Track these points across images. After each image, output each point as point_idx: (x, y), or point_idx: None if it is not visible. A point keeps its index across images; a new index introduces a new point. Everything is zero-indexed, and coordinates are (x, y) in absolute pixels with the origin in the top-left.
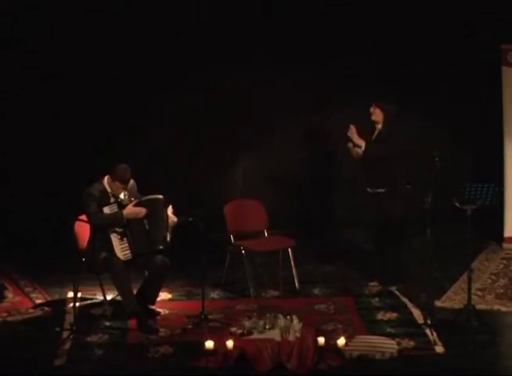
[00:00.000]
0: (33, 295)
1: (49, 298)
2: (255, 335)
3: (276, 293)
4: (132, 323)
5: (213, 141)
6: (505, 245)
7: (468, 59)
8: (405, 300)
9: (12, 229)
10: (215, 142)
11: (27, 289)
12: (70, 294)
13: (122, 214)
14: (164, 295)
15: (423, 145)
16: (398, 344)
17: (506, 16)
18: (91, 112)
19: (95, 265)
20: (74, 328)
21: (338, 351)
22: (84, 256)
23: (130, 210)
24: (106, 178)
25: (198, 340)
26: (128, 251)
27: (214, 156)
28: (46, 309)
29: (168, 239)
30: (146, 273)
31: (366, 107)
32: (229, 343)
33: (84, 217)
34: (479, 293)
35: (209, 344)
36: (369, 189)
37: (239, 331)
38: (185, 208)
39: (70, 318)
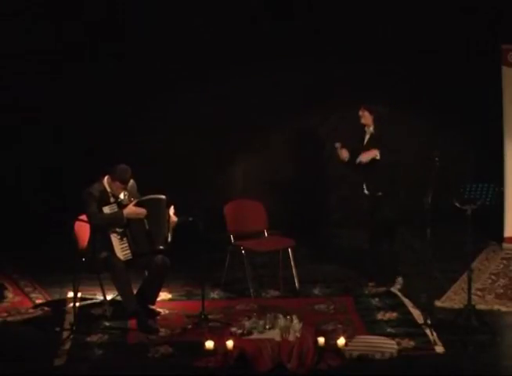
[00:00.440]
0: (33, 295)
1: (49, 298)
2: (255, 335)
3: (276, 293)
4: (132, 323)
5: (213, 141)
6: (505, 245)
7: (468, 59)
8: (405, 300)
9: (12, 229)
10: (215, 142)
11: (27, 289)
12: (70, 294)
13: (122, 213)
14: (164, 295)
15: (423, 145)
16: (398, 344)
17: (506, 16)
18: (91, 112)
19: (95, 265)
20: (74, 328)
21: (338, 351)
22: (84, 256)
23: (130, 210)
24: (106, 178)
25: (198, 340)
26: (128, 251)
27: (214, 156)
28: (46, 309)
29: (169, 239)
30: (146, 273)
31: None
32: (229, 343)
33: (84, 217)
34: (479, 293)
35: (209, 344)
36: (366, 192)
37: (239, 331)
38: (185, 208)
39: (70, 318)
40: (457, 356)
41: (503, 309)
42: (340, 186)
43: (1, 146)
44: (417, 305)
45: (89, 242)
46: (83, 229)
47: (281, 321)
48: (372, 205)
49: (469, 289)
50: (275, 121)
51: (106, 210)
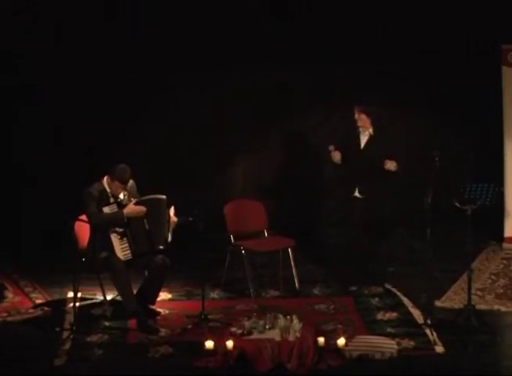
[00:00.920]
0: (33, 295)
1: (49, 298)
2: (255, 335)
3: (276, 293)
4: (132, 323)
5: (213, 141)
6: (505, 245)
7: (468, 59)
8: (405, 300)
9: (12, 229)
10: (215, 142)
11: (27, 289)
12: (70, 294)
13: (122, 213)
14: (164, 295)
15: (423, 145)
16: (398, 344)
17: (506, 16)
18: (91, 112)
19: (95, 265)
20: (74, 328)
21: (338, 351)
22: (84, 256)
23: (130, 209)
24: (105, 178)
25: (198, 340)
26: (128, 251)
27: (214, 156)
28: (46, 309)
29: (169, 239)
30: (146, 273)
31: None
32: (229, 343)
33: (84, 217)
34: (479, 293)
35: (209, 344)
36: (357, 195)
37: (239, 331)
38: (185, 208)
39: (70, 318)
40: (457, 356)
41: (503, 309)
42: (340, 186)
43: (1, 147)
44: (417, 305)
45: (89, 242)
46: (83, 229)
47: (281, 321)
48: (362, 208)
49: (469, 289)
50: (275, 121)
51: (106, 210)
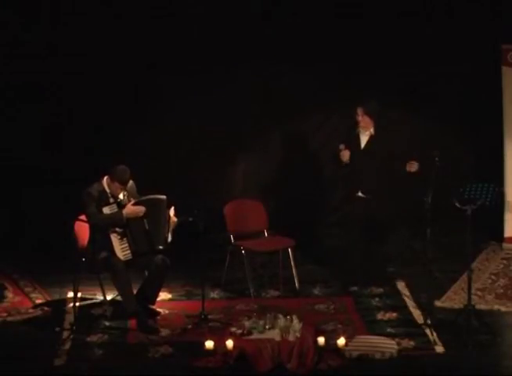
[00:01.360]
0: (33, 295)
1: (49, 298)
2: (255, 335)
3: (276, 293)
4: (132, 323)
5: (213, 141)
6: (505, 245)
7: (468, 59)
8: (406, 300)
9: (12, 230)
10: (215, 142)
11: (27, 289)
12: (70, 294)
13: (122, 214)
14: (164, 295)
15: (423, 145)
16: (398, 344)
17: (506, 16)
18: (91, 112)
19: (95, 265)
20: (74, 328)
21: (338, 351)
22: (84, 256)
23: (129, 209)
24: (105, 178)
25: (198, 340)
26: (128, 251)
27: (214, 156)
28: (46, 309)
29: (169, 240)
30: (146, 273)
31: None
32: (229, 343)
33: (84, 217)
34: (479, 293)
35: (209, 344)
36: (360, 195)
37: (239, 331)
38: (185, 208)
39: (70, 318)
40: (457, 356)
41: (503, 309)
42: (343, 186)
43: (1, 147)
44: (417, 305)
45: (89, 242)
46: (83, 229)
47: (281, 321)
48: (364, 207)
49: (469, 289)
50: (275, 122)
51: (106, 210)
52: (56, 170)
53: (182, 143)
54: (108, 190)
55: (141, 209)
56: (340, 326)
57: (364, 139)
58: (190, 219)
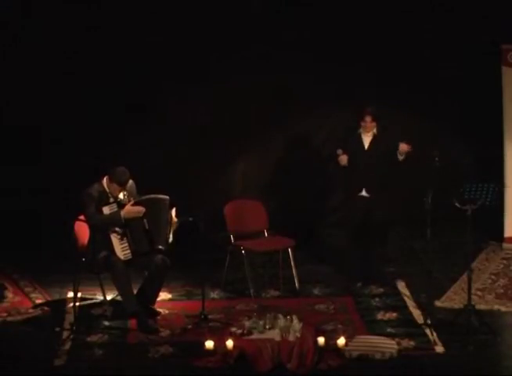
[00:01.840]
0: (33, 295)
1: (49, 298)
2: (255, 335)
3: (276, 293)
4: (132, 323)
5: (213, 141)
6: (505, 245)
7: (468, 59)
8: (406, 300)
9: (12, 230)
10: (215, 142)
11: (27, 289)
12: (70, 294)
13: (120, 214)
14: (164, 295)
15: (423, 145)
16: (398, 344)
17: (506, 16)
18: (91, 111)
19: (95, 265)
20: (74, 328)
21: (338, 351)
22: (84, 256)
23: (128, 210)
24: (105, 178)
25: (198, 340)
26: (128, 251)
27: (214, 156)
28: (46, 309)
29: (170, 240)
30: (146, 273)
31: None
32: (229, 343)
33: (84, 217)
34: (479, 293)
35: (209, 344)
36: (365, 194)
37: (239, 331)
38: (185, 208)
39: (70, 318)
40: (457, 356)
41: (503, 309)
42: (346, 186)
43: (1, 147)
44: (417, 305)
45: (89, 242)
46: (83, 229)
47: (281, 321)
48: (366, 207)
49: (469, 289)
50: (276, 121)
51: (106, 210)
52: (56, 170)
53: (182, 143)
54: (108, 190)
55: (140, 209)
56: (340, 326)
57: (367, 140)
58: (190, 219)
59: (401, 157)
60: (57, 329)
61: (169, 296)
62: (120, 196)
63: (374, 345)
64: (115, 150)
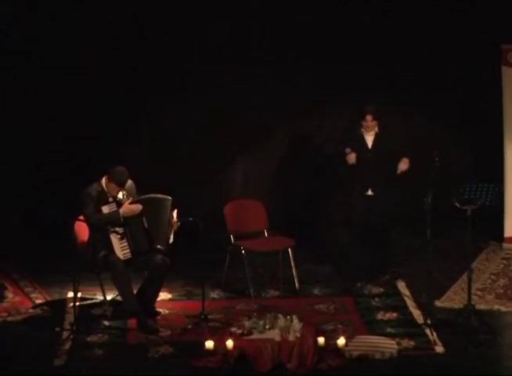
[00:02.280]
0: (33, 295)
1: (49, 298)
2: (255, 335)
3: (276, 293)
4: (132, 323)
5: (213, 141)
6: (505, 245)
7: (468, 59)
8: (406, 300)
9: (12, 229)
10: (215, 142)
11: (27, 289)
12: (70, 294)
13: (119, 213)
14: (164, 295)
15: (423, 145)
16: (398, 344)
17: (506, 16)
18: (91, 111)
19: (94, 264)
20: (74, 328)
21: (338, 351)
22: (84, 256)
23: (126, 208)
24: (104, 178)
25: (198, 340)
26: (128, 250)
27: (214, 156)
28: (46, 308)
29: (171, 241)
30: (146, 273)
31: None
32: (229, 343)
33: (83, 216)
34: (479, 293)
35: (209, 344)
36: (370, 193)
37: (239, 331)
38: (185, 208)
39: (70, 318)
40: (457, 356)
41: (503, 309)
42: (341, 186)
43: (1, 147)
44: (417, 305)
45: (89, 242)
46: (83, 229)
47: (281, 321)
48: (368, 207)
49: (469, 289)
50: (276, 121)
51: (105, 209)
52: (56, 169)
53: (182, 143)
54: (106, 190)
55: (138, 207)
56: (340, 326)
57: (370, 139)
58: (190, 219)
59: (398, 172)
60: (57, 329)
61: (169, 296)
62: (119, 195)
63: (374, 345)
64: (115, 150)
